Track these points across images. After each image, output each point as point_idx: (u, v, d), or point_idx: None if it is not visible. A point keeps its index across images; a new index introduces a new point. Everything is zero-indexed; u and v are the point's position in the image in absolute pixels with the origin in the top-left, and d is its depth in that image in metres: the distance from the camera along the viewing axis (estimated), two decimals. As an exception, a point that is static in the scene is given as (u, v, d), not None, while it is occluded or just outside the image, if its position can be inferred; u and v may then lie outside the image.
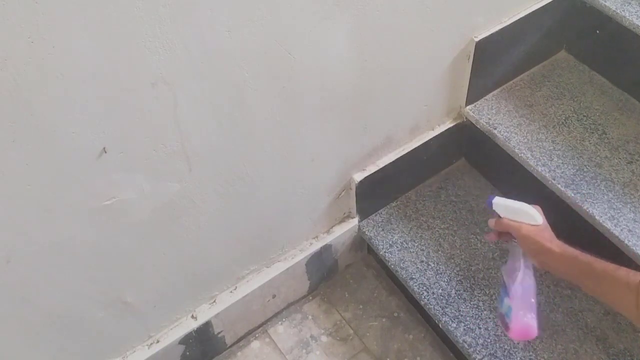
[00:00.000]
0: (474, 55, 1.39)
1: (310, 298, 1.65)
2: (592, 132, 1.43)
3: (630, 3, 1.34)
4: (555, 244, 1.01)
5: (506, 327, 1.12)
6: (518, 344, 1.35)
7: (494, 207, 1.08)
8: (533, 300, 1.10)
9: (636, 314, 0.87)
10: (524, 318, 1.10)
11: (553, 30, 1.50)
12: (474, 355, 1.34)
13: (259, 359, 1.55)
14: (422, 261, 1.50)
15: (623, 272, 0.90)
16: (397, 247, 1.53)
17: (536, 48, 1.52)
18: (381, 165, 1.47)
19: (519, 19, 1.40)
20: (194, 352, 1.46)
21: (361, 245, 1.66)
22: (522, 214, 1.05)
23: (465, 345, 1.36)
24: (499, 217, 1.09)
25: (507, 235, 1.10)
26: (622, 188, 1.32)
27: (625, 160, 1.37)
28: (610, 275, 0.92)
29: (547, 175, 1.35)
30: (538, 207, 1.07)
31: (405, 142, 1.50)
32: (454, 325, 1.39)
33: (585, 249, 1.00)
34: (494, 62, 1.46)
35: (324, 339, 1.58)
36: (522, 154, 1.39)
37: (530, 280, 1.09)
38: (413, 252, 1.51)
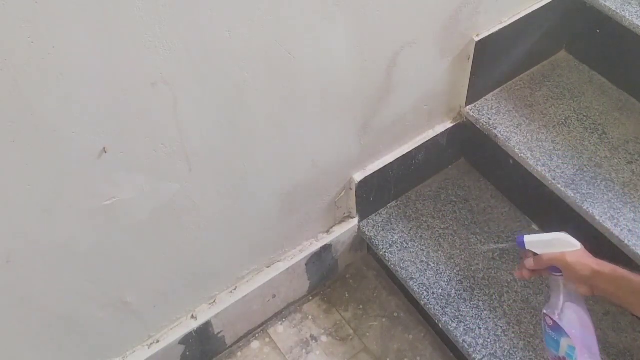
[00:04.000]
0: (474, 55, 1.39)
1: (310, 298, 1.65)
2: (592, 132, 1.43)
3: (630, 3, 1.34)
4: (602, 265, 0.95)
5: None
6: (518, 343, 1.35)
7: (528, 247, 1.02)
8: (594, 336, 1.02)
9: None
10: (591, 353, 1.01)
11: (553, 30, 1.50)
12: (474, 355, 1.34)
13: (259, 359, 1.55)
14: (422, 261, 1.50)
15: None
16: (397, 247, 1.53)
17: (536, 48, 1.52)
18: (381, 165, 1.47)
19: (519, 19, 1.40)
20: (194, 352, 1.46)
21: (361, 245, 1.66)
22: (559, 244, 1.00)
23: (465, 345, 1.36)
24: (534, 254, 1.02)
25: (544, 270, 1.03)
26: (622, 188, 1.32)
27: (625, 160, 1.37)
28: None
29: (547, 175, 1.35)
30: (566, 233, 1.01)
31: (405, 142, 1.50)
32: (454, 325, 1.39)
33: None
34: (494, 62, 1.46)
35: (324, 339, 1.58)
36: (522, 154, 1.39)
37: (584, 314, 1.02)
38: (413, 252, 1.51)
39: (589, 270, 0.96)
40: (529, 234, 1.03)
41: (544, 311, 1.03)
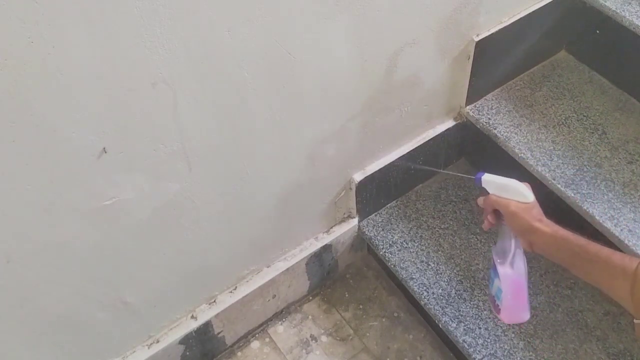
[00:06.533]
0: (474, 55, 1.39)
1: (310, 298, 1.65)
2: (592, 132, 1.43)
3: (630, 3, 1.34)
4: (545, 223, 0.96)
5: (497, 309, 1.09)
6: (518, 343, 1.35)
7: (483, 184, 1.04)
8: (524, 283, 1.06)
9: (630, 302, 0.82)
10: (515, 302, 1.07)
11: (553, 30, 1.50)
12: (474, 355, 1.34)
13: (259, 359, 1.55)
14: (422, 261, 1.50)
15: (618, 257, 0.85)
16: (397, 247, 1.53)
17: (536, 48, 1.52)
18: (381, 165, 1.47)
19: (519, 19, 1.40)
20: (194, 352, 1.46)
21: (361, 245, 1.66)
22: (512, 191, 1.00)
23: (465, 345, 1.36)
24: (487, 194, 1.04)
25: (500, 215, 1.05)
26: (622, 188, 1.32)
27: (625, 160, 1.37)
28: (604, 260, 0.86)
29: (547, 175, 1.35)
30: (528, 185, 1.02)
31: (405, 142, 1.50)
32: (454, 325, 1.39)
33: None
34: (494, 62, 1.46)
35: (324, 339, 1.58)
36: (522, 154, 1.39)
37: (521, 263, 1.05)
38: (413, 252, 1.51)
39: (527, 226, 0.97)
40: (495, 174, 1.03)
41: (492, 249, 1.09)
